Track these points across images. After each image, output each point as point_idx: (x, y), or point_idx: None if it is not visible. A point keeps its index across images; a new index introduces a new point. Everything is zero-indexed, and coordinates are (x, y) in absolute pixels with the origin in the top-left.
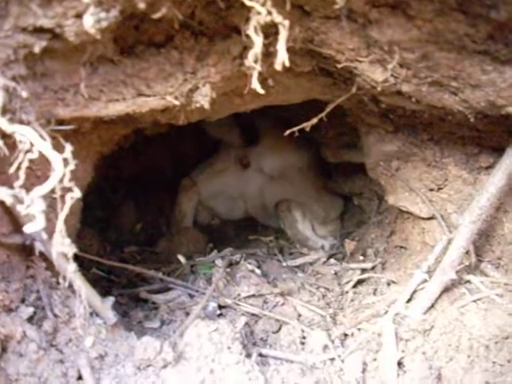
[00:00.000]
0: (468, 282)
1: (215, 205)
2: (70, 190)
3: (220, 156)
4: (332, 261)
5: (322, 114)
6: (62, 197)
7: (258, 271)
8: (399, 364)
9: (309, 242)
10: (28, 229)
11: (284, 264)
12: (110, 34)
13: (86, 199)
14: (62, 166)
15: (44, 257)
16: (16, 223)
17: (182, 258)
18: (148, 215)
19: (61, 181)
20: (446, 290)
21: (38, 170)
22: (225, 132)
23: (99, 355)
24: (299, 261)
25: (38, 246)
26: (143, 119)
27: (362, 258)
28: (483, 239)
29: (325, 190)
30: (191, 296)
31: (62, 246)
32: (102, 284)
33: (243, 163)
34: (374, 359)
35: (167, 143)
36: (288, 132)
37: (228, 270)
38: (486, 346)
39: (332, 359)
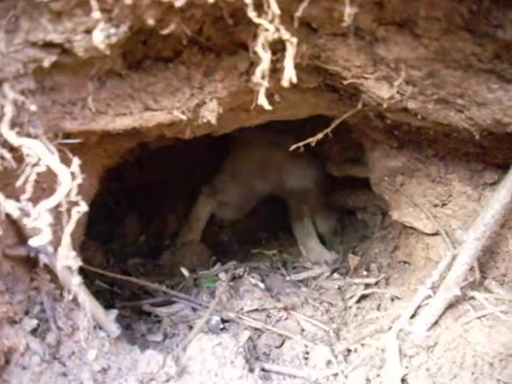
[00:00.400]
0: (472, 298)
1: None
2: (76, 203)
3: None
4: (336, 275)
5: (328, 130)
6: (69, 210)
7: (261, 285)
8: (403, 381)
9: (315, 252)
10: (34, 242)
11: (287, 278)
12: (118, 49)
13: (90, 211)
14: (70, 179)
15: (48, 269)
16: (21, 235)
17: (185, 271)
18: (151, 227)
19: (68, 194)
20: (450, 306)
21: (44, 183)
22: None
23: (102, 368)
24: (303, 275)
25: (43, 258)
26: (149, 133)
27: (365, 272)
28: (488, 256)
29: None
30: (194, 309)
31: (67, 260)
32: (105, 296)
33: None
34: (378, 375)
35: (171, 155)
36: (294, 147)
37: (231, 283)
38: (490, 364)
39: (335, 375)
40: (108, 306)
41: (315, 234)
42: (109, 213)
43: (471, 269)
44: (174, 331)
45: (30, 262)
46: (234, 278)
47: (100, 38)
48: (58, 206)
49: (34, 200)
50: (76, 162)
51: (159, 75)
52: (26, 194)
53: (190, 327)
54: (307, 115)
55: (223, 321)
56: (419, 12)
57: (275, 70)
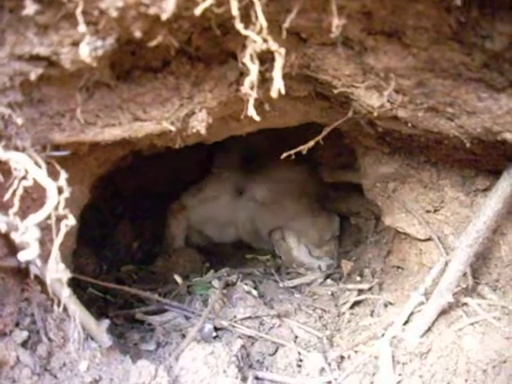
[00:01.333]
0: (465, 304)
1: (205, 229)
2: (65, 216)
3: (212, 181)
4: (329, 281)
5: (319, 137)
6: (58, 222)
7: (254, 292)
8: None
9: (305, 265)
10: (22, 257)
11: (281, 285)
12: (106, 60)
13: (83, 218)
14: (57, 194)
15: (39, 280)
16: (11, 246)
17: (178, 279)
18: (145, 233)
19: (56, 208)
20: (443, 312)
21: (34, 193)
22: (225, 158)
23: (94, 380)
24: (296, 281)
25: (33, 270)
26: (140, 143)
27: (359, 278)
28: (480, 261)
29: (320, 211)
30: (187, 318)
31: (56, 273)
32: (99, 304)
33: (239, 191)
34: (371, 382)
35: (164, 161)
36: (285, 155)
37: (224, 291)
38: (483, 370)
39: (329, 382)
40: (101, 314)
41: (303, 249)
42: (102, 219)
43: (464, 275)
44: (167, 340)
45: (21, 273)
46: (227, 285)
47: (86, 51)
48: (48, 218)
49: (25, 210)
50: (63, 175)
51: (148, 85)
52: (13, 208)
53: (183, 335)
54: (298, 123)
55: (216, 329)
56: (407, 22)
57: (265, 80)
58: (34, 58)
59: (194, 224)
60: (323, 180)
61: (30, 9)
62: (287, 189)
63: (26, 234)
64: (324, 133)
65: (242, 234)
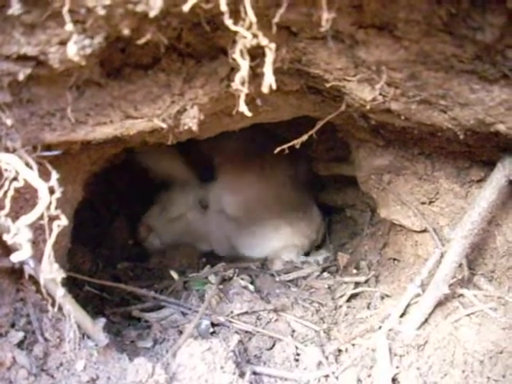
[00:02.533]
0: (461, 295)
1: (180, 242)
2: (57, 217)
3: (175, 198)
4: (325, 274)
5: (312, 131)
6: (51, 222)
7: (251, 287)
8: (393, 380)
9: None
10: (15, 258)
11: (277, 279)
12: (95, 58)
13: (78, 216)
14: (48, 194)
15: (34, 280)
16: (5, 246)
17: (174, 274)
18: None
19: (48, 208)
20: (440, 304)
21: (27, 193)
22: (174, 170)
23: (91, 379)
24: (292, 275)
25: (28, 270)
26: (132, 140)
27: (355, 270)
28: (476, 252)
29: (300, 217)
30: (184, 314)
31: (50, 273)
32: (95, 302)
33: (203, 205)
34: (369, 375)
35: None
36: (279, 149)
37: (221, 286)
38: (480, 361)
39: (326, 376)
40: (97, 312)
41: (300, 255)
42: (97, 217)
43: (460, 266)
44: (164, 336)
45: (16, 274)
46: (223, 281)
47: (74, 50)
48: (40, 218)
49: (18, 211)
50: (55, 175)
51: (139, 83)
52: (4, 209)
53: (180, 332)
54: (291, 117)
55: (213, 324)
56: (398, 15)
57: (256, 75)
58: (22, 58)
59: (168, 240)
60: (317, 173)
61: (16, 8)
62: (261, 199)
63: (18, 235)
64: (317, 126)
65: (218, 251)
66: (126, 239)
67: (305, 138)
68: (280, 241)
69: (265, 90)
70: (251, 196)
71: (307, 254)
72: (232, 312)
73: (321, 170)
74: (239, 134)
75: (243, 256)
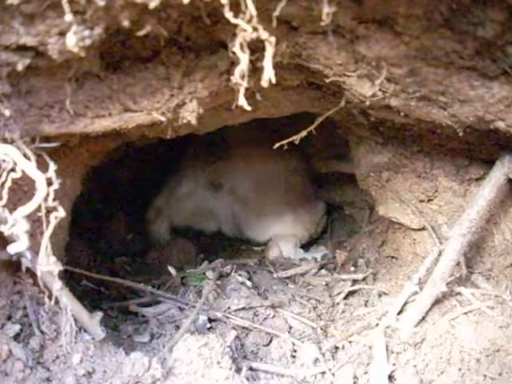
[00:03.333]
0: (459, 293)
1: (188, 223)
2: (54, 208)
3: (184, 177)
4: (323, 272)
5: (312, 127)
6: (48, 214)
7: (248, 283)
8: (390, 377)
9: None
10: (12, 249)
11: (275, 275)
12: (95, 50)
13: (76, 210)
14: (46, 185)
15: (31, 272)
16: (2, 239)
17: (172, 270)
18: (139, 225)
19: (45, 200)
20: (437, 302)
21: (25, 186)
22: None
23: (87, 372)
24: (290, 272)
25: (25, 262)
26: (131, 134)
27: (353, 268)
28: (474, 251)
29: (305, 207)
30: (181, 309)
31: (47, 265)
32: (92, 296)
33: (215, 185)
34: (365, 372)
35: (156, 151)
36: (278, 145)
37: (218, 282)
38: (477, 359)
39: (323, 373)
40: (95, 306)
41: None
42: (96, 211)
43: (457, 264)
44: (161, 331)
45: (13, 266)
46: (221, 276)
47: (74, 40)
48: (38, 210)
49: (16, 203)
50: (52, 167)
51: (138, 76)
52: (1, 200)
53: (177, 327)
54: (290, 113)
55: (210, 320)
56: (398, 10)
57: (256, 69)
58: (21, 49)
59: (176, 221)
60: (316, 170)
61: None
62: (270, 183)
63: (15, 226)
64: (316, 122)
65: (225, 230)
66: (124, 234)
67: (304, 133)
68: (282, 228)
69: (264, 84)
70: (262, 178)
71: (306, 247)
72: (229, 308)
73: (320, 168)
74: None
75: (247, 238)
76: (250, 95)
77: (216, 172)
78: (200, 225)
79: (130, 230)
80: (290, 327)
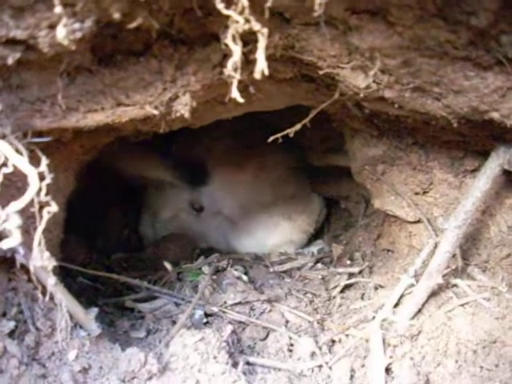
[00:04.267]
0: (455, 285)
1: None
2: (47, 203)
3: (164, 200)
4: (319, 265)
5: (306, 120)
6: (41, 209)
7: (244, 278)
8: (387, 370)
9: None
10: (4, 245)
11: (271, 269)
12: (86, 43)
13: (71, 206)
14: (38, 180)
15: (26, 269)
16: None
17: (168, 265)
18: (135, 220)
19: (38, 195)
20: (433, 294)
21: (19, 182)
22: (160, 173)
23: (83, 368)
24: (286, 266)
25: (19, 258)
26: (124, 128)
27: (349, 261)
28: (469, 243)
29: (300, 207)
30: (177, 304)
31: (40, 261)
32: (89, 293)
33: (195, 208)
34: (362, 365)
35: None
36: (272, 138)
37: (214, 277)
38: (473, 351)
39: (320, 366)
40: (91, 302)
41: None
42: (91, 207)
43: (453, 256)
44: (157, 327)
45: (7, 263)
46: (217, 271)
47: (63, 33)
48: (31, 206)
49: (9, 199)
50: (44, 161)
51: (130, 70)
52: None
53: (174, 322)
54: (284, 106)
55: (206, 315)
56: (391, 0)
57: (249, 62)
58: (11, 42)
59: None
60: (311, 164)
61: None
62: (258, 199)
63: (7, 221)
64: (311, 115)
65: (219, 247)
66: (120, 230)
67: (298, 126)
68: (278, 237)
69: (257, 75)
70: (248, 196)
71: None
72: (225, 302)
73: (315, 161)
74: (230, 128)
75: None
76: (243, 88)
77: (196, 195)
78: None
79: (126, 226)
80: (287, 321)
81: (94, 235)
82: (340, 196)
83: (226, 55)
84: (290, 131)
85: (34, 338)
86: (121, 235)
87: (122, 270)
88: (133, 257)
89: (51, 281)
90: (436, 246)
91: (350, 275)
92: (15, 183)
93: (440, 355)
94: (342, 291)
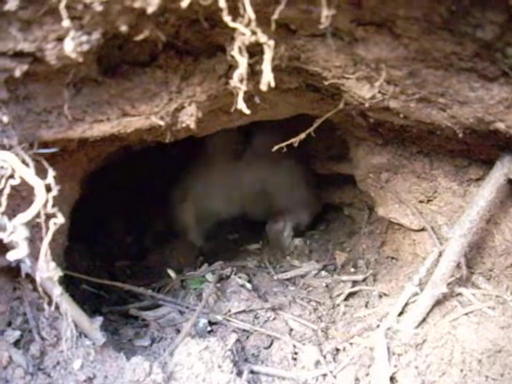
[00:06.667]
0: (459, 294)
1: (211, 204)
2: (53, 215)
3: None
4: (323, 273)
5: (311, 130)
6: (47, 220)
7: (248, 285)
8: (392, 379)
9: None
10: (11, 256)
11: (275, 277)
12: (92, 55)
13: (75, 214)
14: (45, 192)
15: (31, 278)
16: (1, 245)
17: (172, 273)
18: (138, 227)
19: (44, 206)
20: (438, 303)
21: (24, 191)
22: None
23: (88, 378)
24: (290, 274)
25: (25, 268)
26: (129, 138)
27: (353, 269)
28: (474, 251)
29: (312, 199)
30: (181, 312)
31: (46, 272)
32: (92, 301)
33: (237, 152)
34: (367, 374)
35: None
36: (277, 147)
37: (218, 285)
38: (478, 360)
39: (324, 375)
40: (95, 310)
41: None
42: (95, 215)
43: (458, 265)
44: (162, 335)
45: (13, 272)
46: (221, 279)
47: (71, 46)
48: (37, 216)
49: (15, 209)
50: (51, 173)
51: (136, 80)
52: (0, 207)
53: (178, 331)
54: (289, 115)
55: (210, 323)
56: (398, 12)
57: (254, 73)
58: (19, 55)
59: (199, 201)
60: (316, 171)
61: (12, 4)
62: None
63: (15, 233)
64: (316, 124)
65: (248, 206)
66: (123, 237)
67: (303, 136)
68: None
69: (263, 87)
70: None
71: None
72: (229, 311)
73: (319, 169)
74: None
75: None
76: (248, 98)
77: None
78: (221, 204)
79: (129, 234)
80: (291, 329)
81: (96, 242)
82: (343, 203)
83: (232, 66)
84: (295, 140)
85: (39, 347)
86: (124, 242)
87: (125, 278)
88: (136, 264)
89: (57, 291)
90: (440, 255)
91: (354, 283)
92: (20, 193)
93: (445, 364)
94: (346, 299)
